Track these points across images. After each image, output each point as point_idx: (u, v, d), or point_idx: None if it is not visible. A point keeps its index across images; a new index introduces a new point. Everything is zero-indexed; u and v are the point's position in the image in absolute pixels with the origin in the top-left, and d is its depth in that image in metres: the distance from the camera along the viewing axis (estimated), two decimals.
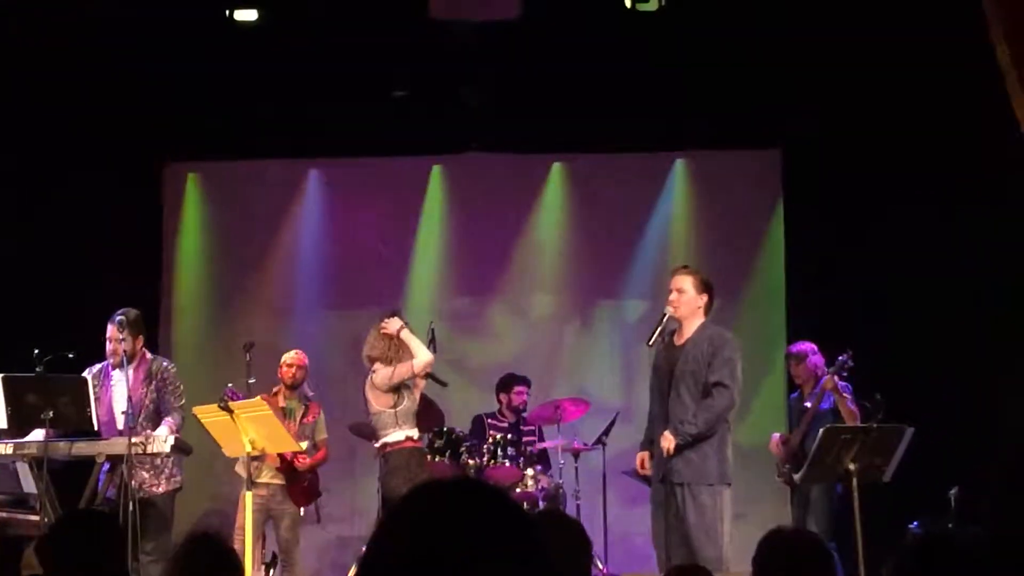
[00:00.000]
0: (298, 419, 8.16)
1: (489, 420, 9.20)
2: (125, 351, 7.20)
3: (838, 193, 9.51)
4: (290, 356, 8.32)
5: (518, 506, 1.73)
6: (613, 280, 10.33)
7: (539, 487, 8.66)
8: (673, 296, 6.54)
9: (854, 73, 9.06)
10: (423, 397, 7.97)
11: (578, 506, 8.84)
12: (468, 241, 10.42)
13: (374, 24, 9.07)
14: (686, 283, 6.53)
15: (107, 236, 9.51)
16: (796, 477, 7.39)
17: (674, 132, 10.02)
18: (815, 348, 8.25)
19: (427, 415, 8.20)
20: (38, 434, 6.81)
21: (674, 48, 9.30)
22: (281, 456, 7.87)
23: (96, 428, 6.93)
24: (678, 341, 6.53)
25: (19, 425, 6.90)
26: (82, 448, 6.88)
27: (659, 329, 6.58)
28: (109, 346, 7.32)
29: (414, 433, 7.56)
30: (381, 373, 7.45)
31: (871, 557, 6.25)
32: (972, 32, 7.07)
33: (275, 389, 8.22)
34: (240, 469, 7.88)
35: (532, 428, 9.24)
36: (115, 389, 7.32)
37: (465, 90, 9.76)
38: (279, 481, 8.07)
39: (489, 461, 8.54)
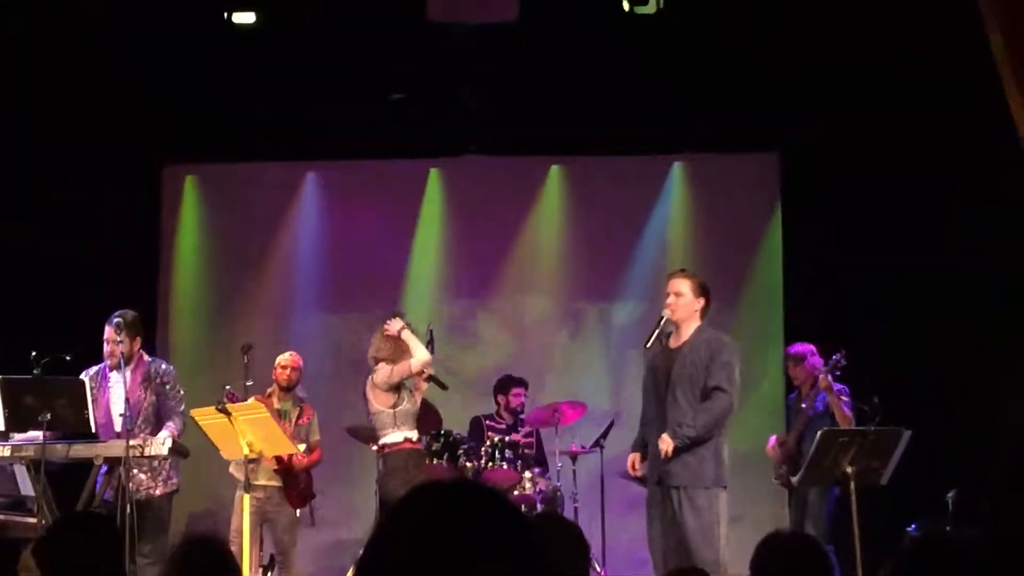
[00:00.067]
0: (293, 421, 8.15)
1: (487, 422, 9.21)
2: (123, 353, 7.18)
3: (836, 196, 9.52)
4: (285, 358, 8.31)
5: (516, 508, 1.73)
6: (611, 283, 10.34)
7: (537, 489, 8.65)
8: (671, 299, 6.53)
9: (851, 75, 9.06)
10: (422, 401, 8.03)
11: (576, 509, 8.84)
12: (466, 243, 10.42)
13: (372, 26, 9.07)
14: (684, 286, 6.53)
15: (105, 238, 9.50)
16: (793, 480, 7.40)
17: (672, 135, 10.03)
18: (814, 349, 8.27)
19: (425, 418, 8.26)
20: (35, 436, 6.81)
21: (672, 51, 9.31)
22: (278, 458, 7.87)
23: (94, 430, 6.92)
24: (674, 344, 6.53)
25: (16, 427, 6.89)
26: (80, 450, 6.87)
27: (656, 332, 6.58)
28: (107, 348, 7.30)
29: (412, 435, 7.71)
30: (381, 371, 7.66)
31: (869, 560, 6.25)
32: (970, 33, 7.08)
33: (269, 391, 8.21)
34: (234, 471, 7.89)
35: (530, 430, 9.24)
36: (112, 391, 7.30)
37: (463, 92, 9.76)
38: (276, 483, 8.07)
39: (487, 464, 8.54)
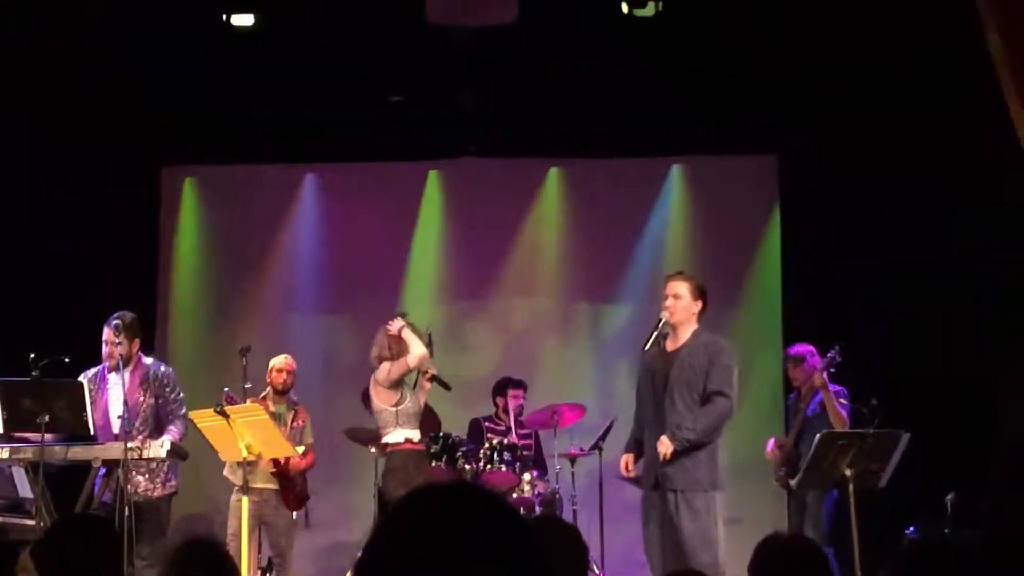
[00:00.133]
0: (288, 423, 8.14)
1: (487, 424, 9.21)
2: (121, 355, 7.17)
3: (835, 197, 9.52)
4: (280, 361, 8.29)
5: (514, 511, 1.73)
6: (610, 284, 10.33)
7: (536, 492, 8.65)
8: (669, 302, 6.53)
9: (850, 77, 9.07)
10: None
11: (574, 511, 8.83)
12: (465, 245, 10.42)
13: (371, 28, 9.07)
14: (682, 288, 6.53)
15: (104, 239, 9.49)
16: (792, 483, 7.39)
17: (671, 137, 10.03)
18: (813, 350, 8.27)
19: (425, 420, 8.34)
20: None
21: (671, 53, 9.31)
22: (275, 461, 7.87)
23: (92, 432, 6.91)
24: (671, 347, 6.52)
25: (15, 429, 6.88)
26: (78, 452, 6.87)
27: (654, 334, 6.57)
28: (105, 349, 7.29)
29: (414, 435, 7.88)
30: (383, 369, 7.93)
31: (868, 562, 6.25)
32: (969, 35, 7.08)
33: (263, 394, 8.17)
34: (228, 474, 7.90)
35: (528, 432, 9.24)
36: (111, 393, 7.29)
37: (462, 95, 9.76)
38: (272, 486, 8.06)
39: (485, 466, 8.54)
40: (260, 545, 8.10)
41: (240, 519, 7.19)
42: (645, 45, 9.21)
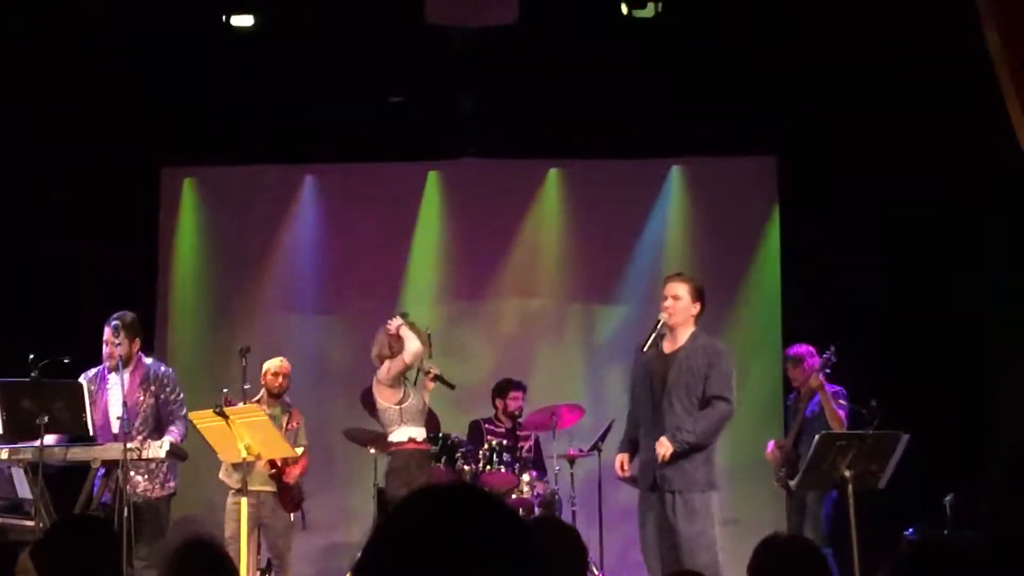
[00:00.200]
0: (284, 426, 8.12)
1: (486, 425, 9.21)
2: (121, 355, 7.17)
3: (834, 198, 9.52)
4: (275, 364, 8.27)
5: (513, 512, 1.73)
6: (609, 285, 10.33)
7: (535, 493, 8.65)
8: (668, 303, 6.52)
9: (850, 78, 9.07)
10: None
11: (574, 512, 8.83)
12: (464, 247, 10.42)
13: (370, 29, 9.08)
14: (681, 290, 6.52)
15: (104, 239, 9.49)
16: (792, 483, 7.39)
17: (670, 138, 10.03)
18: (812, 351, 8.27)
19: (426, 422, 8.29)
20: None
21: (670, 54, 9.31)
22: (272, 463, 7.87)
23: (92, 433, 6.91)
24: (669, 349, 6.50)
25: (14, 430, 6.87)
26: (77, 453, 6.86)
27: (653, 335, 6.56)
28: (105, 349, 7.28)
29: (417, 434, 7.93)
30: (383, 367, 8.00)
31: (867, 563, 6.24)
32: (969, 35, 7.08)
33: (257, 397, 8.13)
34: (224, 477, 7.89)
35: (528, 434, 9.24)
36: (111, 393, 7.28)
37: (461, 96, 9.76)
38: (269, 488, 8.05)
39: (485, 467, 8.54)
40: (259, 547, 8.10)
41: (237, 522, 7.19)
42: (645, 46, 9.21)
